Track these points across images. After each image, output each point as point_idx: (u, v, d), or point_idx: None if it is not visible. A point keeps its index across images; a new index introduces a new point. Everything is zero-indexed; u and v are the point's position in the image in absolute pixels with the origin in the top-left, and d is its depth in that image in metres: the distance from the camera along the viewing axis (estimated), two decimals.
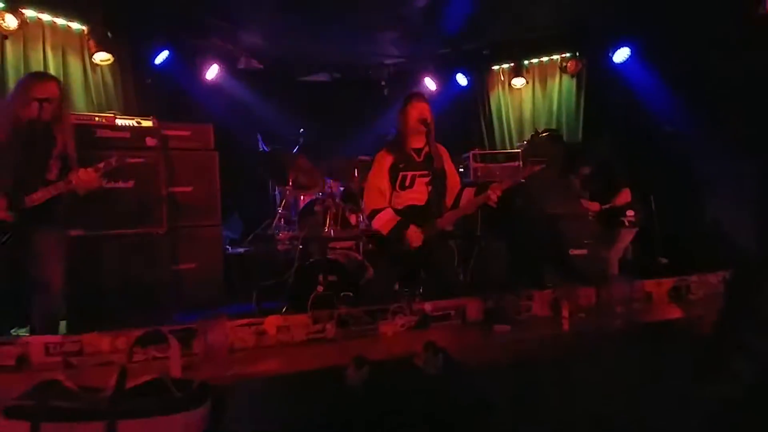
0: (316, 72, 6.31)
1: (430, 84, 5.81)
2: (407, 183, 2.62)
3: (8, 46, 3.76)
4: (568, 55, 5.29)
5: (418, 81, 5.82)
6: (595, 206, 3.78)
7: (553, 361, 1.67)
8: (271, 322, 1.75)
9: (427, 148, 2.63)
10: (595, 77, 5.16)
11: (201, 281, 4.41)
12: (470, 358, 1.65)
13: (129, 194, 3.82)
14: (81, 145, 3.65)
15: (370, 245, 3.15)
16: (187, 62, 5.05)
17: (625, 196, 3.73)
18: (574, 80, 5.28)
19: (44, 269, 2.44)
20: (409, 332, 1.90)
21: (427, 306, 1.94)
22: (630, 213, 3.73)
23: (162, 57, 4.70)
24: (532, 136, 4.86)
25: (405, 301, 2.01)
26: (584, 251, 4.29)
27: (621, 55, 4.96)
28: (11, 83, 3.74)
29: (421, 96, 2.75)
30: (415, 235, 2.50)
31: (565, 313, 1.99)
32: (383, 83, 6.06)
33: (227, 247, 5.05)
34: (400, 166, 2.63)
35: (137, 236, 3.84)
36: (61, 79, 4.12)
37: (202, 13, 4.70)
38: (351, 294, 3.12)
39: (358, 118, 6.02)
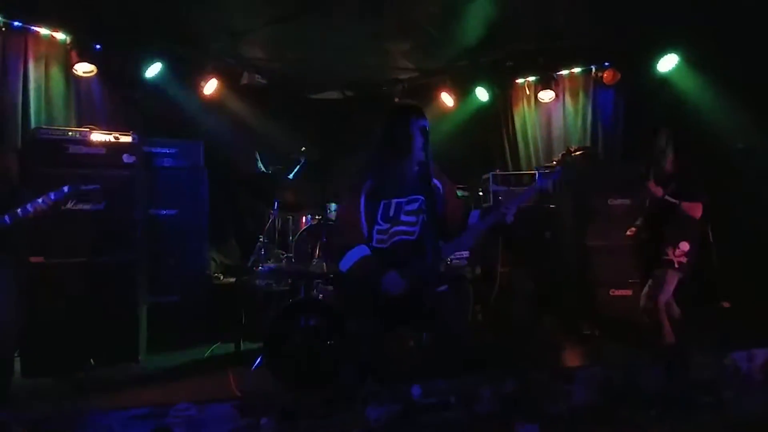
0: (327, 89, 5.93)
1: (446, 99, 5.30)
2: (392, 213, 2.06)
3: None
4: (604, 64, 4.68)
5: (434, 96, 5.33)
6: (658, 191, 2.85)
7: None
8: (179, 414, 1.19)
9: (421, 167, 2.08)
10: (636, 88, 4.53)
11: (183, 316, 3.94)
12: None
13: (99, 217, 3.41)
14: (51, 162, 3.32)
15: (341, 294, 2.56)
16: (183, 76, 4.70)
17: (696, 209, 2.83)
18: (612, 92, 4.67)
19: None
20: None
21: (416, 390, 1.33)
22: (684, 247, 2.82)
23: (154, 70, 4.36)
24: (563, 155, 4.25)
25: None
26: (628, 292, 3.60)
27: (667, 62, 4.34)
28: None
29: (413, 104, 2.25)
30: (392, 283, 1.92)
31: None
32: (396, 100, 5.59)
33: (218, 275, 4.58)
34: (382, 192, 2.06)
35: (107, 264, 3.41)
36: (42, 91, 3.83)
37: (200, 23, 4.37)
38: (338, 343, 2.53)
39: (369, 138, 5.54)
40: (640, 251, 3.09)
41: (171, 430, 1.19)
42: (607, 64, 4.66)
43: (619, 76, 4.58)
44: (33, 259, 3.19)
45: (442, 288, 2.01)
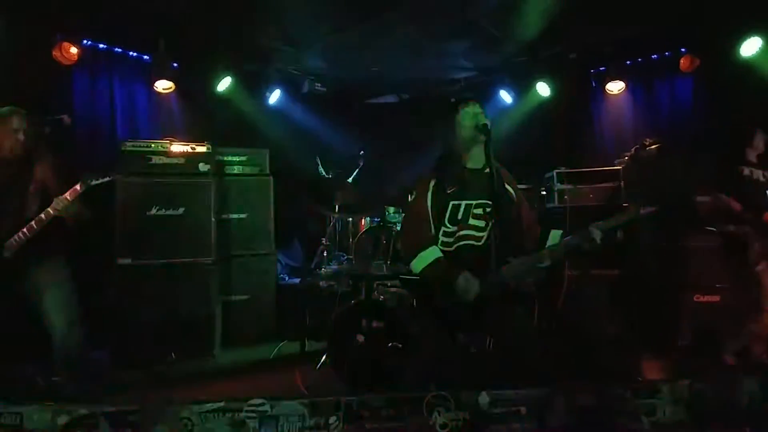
0: (383, 94, 6.00)
1: (505, 97, 5.17)
2: (460, 215, 2.01)
3: (74, 76, 3.87)
4: (681, 50, 4.31)
5: (493, 94, 5.21)
6: None
7: None
8: (253, 408, 1.26)
9: (487, 169, 2.01)
10: (717, 75, 4.12)
11: (253, 314, 4.15)
12: None
13: (179, 221, 3.69)
14: (137, 172, 3.66)
15: (411, 295, 2.55)
16: (250, 88, 4.99)
17: None
18: (690, 80, 4.29)
19: (46, 304, 2.31)
20: None
21: (483, 398, 1.30)
22: None
23: (225, 83, 4.66)
24: (636, 149, 3.95)
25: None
26: (716, 298, 3.28)
27: (751, 46, 3.92)
28: (78, 113, 3.84)
29: (472, 99, 2.18)
30: (468, 285, 1.87)
31: None
32: (453, 100, 5.51)
33: (284, 276, 4.77)
34: (450, 192, 2.03)
35: (185, 266, 3.68)
36: (128, 107, 4.22)
37: (265, 38, 4.60)
38: (400, 345, 2.54)
39: (427, 140, 5.53)
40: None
41: (245, 424, 1.27)
42: (683, 50, 4.29)
43: (697, 62, 4.19)
44: (120, 261, 3.52)
45: (506, 297, 1.93)
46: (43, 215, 2.27)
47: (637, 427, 1.25)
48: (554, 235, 2.03)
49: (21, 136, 2.33)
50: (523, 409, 1.32)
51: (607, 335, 3.02)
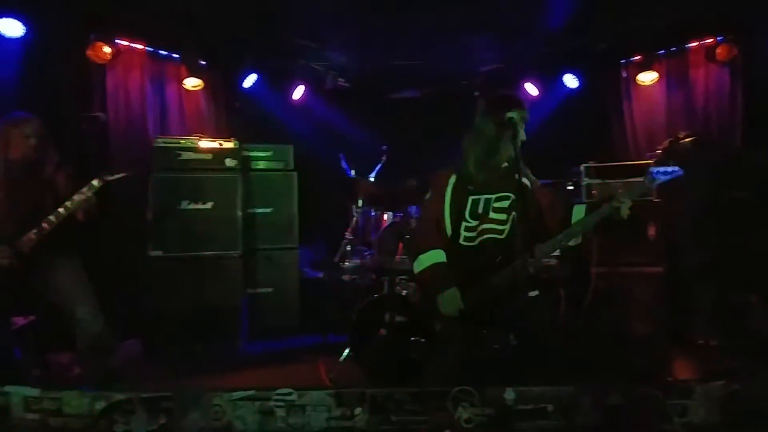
0: (406, 88, 5.97)
1: (531, 89, 5.07)
2: (480, 209, 2.00)
3: (108, 75, 4.00)
4: (717, 38, 4.12)
5: (517, 87, 5.12)
6: None
7: None
8: (281, 397, 1.29)
9: (506, 162, 2.01)
10: (756, 64, 3.92)
11: (277, 306, 4.24)
12: None
13: (207, 216, 3.79)
14: (167, 167, 3.76)
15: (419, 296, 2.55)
16: (275, 84, 5.06)
17: None
18: (727, 69, 4.09)
19: (65, 298, 2.40)
20: None
21: (509, 394, 1.30)
22: None
23: (250, 80, 4.74)
24: (670, 142, 3.79)
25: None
26: (753, 298, 3.15)
27: None
28: (111, 111, 3.98)
29: (497, 92, 2.15)
30: (448, 302, 1.87)
31: None
32: (477, 93, 5.45)
33: (306, 270, 4.84)
34: (470, 187, 2.02)
35: (213, 258, 3.78)
36: (159, 105, 4.34)
37: (290, 35, 4.65)
38: (423, 340, 2.55)
39: (451, 134, 5.48)
40: None
41: (273, 412, 1.31)
42: (720, 38, 4.10)
43: (735, 51, 4.00)
44: (152, 253, 3.64)
45: (533, 293, 1.92)
46: (61, 209, 2.35)
47: (668, 429, 1.22)
48: (578, 210, 1.99)
49: (33, 141, 2.43)
50: (549, 407, 1.31)
51: (637, 333, 2.95)
